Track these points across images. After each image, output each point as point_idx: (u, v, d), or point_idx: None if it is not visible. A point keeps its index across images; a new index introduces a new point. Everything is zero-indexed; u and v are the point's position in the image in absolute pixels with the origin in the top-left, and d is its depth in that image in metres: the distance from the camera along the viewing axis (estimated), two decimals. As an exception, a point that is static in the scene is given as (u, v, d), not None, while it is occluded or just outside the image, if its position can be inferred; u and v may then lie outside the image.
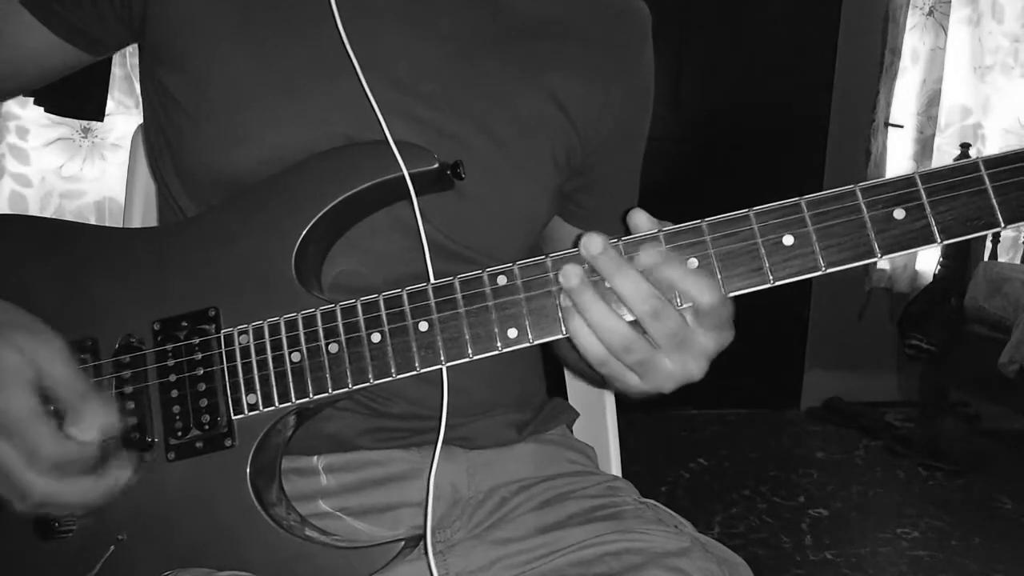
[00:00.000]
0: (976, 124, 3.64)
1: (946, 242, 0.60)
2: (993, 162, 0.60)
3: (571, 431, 0.95)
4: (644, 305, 0.61)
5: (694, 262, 0.63)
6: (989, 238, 3.32)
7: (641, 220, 0.64)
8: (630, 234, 0.65)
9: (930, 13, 3.63)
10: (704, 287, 0.61)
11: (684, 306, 0.62)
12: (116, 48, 0.85)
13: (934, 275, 3.29)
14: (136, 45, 0.83)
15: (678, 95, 3.48)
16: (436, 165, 0.71)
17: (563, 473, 0.85)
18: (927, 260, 3.52)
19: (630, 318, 0.62)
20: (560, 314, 0.64)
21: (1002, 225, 0.59)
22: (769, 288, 0.63)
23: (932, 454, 3.10)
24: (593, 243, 0.62)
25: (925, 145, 3.65)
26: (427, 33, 0.78)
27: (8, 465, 0.65)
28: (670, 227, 0.64)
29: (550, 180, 0.84)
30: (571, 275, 0.62)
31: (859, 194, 0.61)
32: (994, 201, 0.59)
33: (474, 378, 0.75)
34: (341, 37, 0.73)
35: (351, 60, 0.73)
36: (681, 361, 0.63)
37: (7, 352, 0.65)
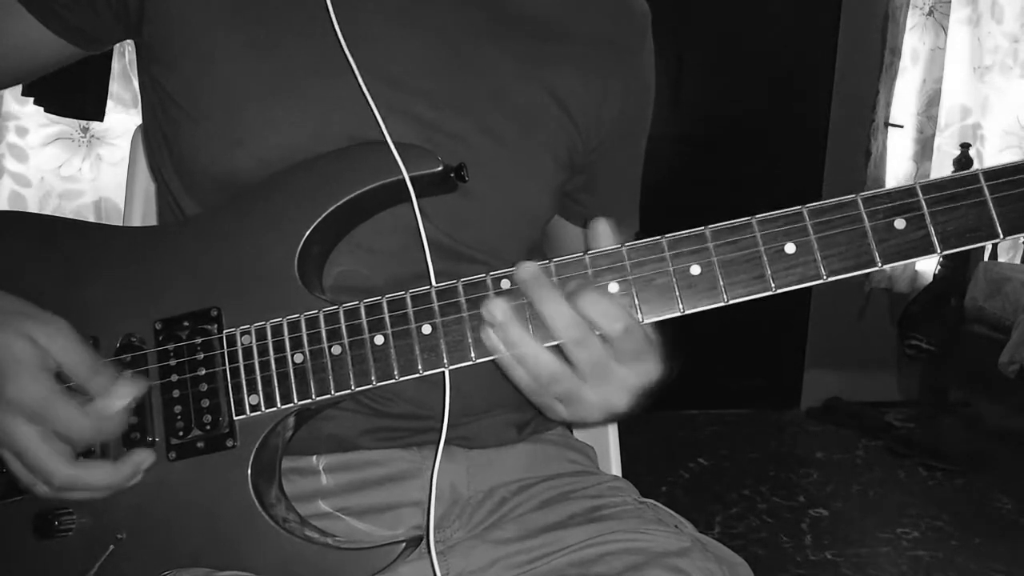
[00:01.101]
0: (975, 124, 3.64)
1: (945, 252, 0.61)
2: (993, 174, 0.60)
3: (571, 431, 0.96)
4: (569, 332, 0.62)
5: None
6: (989, 239, 3.31)
7: (602, 228, 0.65)
8: (602, 240, 0.65)
9: (930, 13, 3.62)
10: (611, 315, 0.61)
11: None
12: (111, 44, 0.85)
13: (934, 275, 3.29)
14: (133, 41, 0.83)
15: (678, 95, 3.48)
16: (440, 168, 0.71)
17: (563, 473, 0.85)
18: (927, 260, 3.51)
19: (555, 343, 0.63)
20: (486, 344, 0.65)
21: (1001, 237, 0.60)
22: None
23: (932, 454, 3.10)
24: (524, 269, 0.63)
25: (925, 145, 3.64)
26: (425, 32, 0.78)
27: (31, 448, 0.65)
28: (630, 243, 0.64)
29: (552, 178, 0.84)
30: (496, 311, 0.62)
31: (860, 203, 0.61)
32: (993, 213, 0.60)
33: (475, 379, 0.75)
34: (337, 37, 0.73)
35: (348, 60, 0.72)
36: (603, 393, 0.64)
37: (14, 339, 0.65)
